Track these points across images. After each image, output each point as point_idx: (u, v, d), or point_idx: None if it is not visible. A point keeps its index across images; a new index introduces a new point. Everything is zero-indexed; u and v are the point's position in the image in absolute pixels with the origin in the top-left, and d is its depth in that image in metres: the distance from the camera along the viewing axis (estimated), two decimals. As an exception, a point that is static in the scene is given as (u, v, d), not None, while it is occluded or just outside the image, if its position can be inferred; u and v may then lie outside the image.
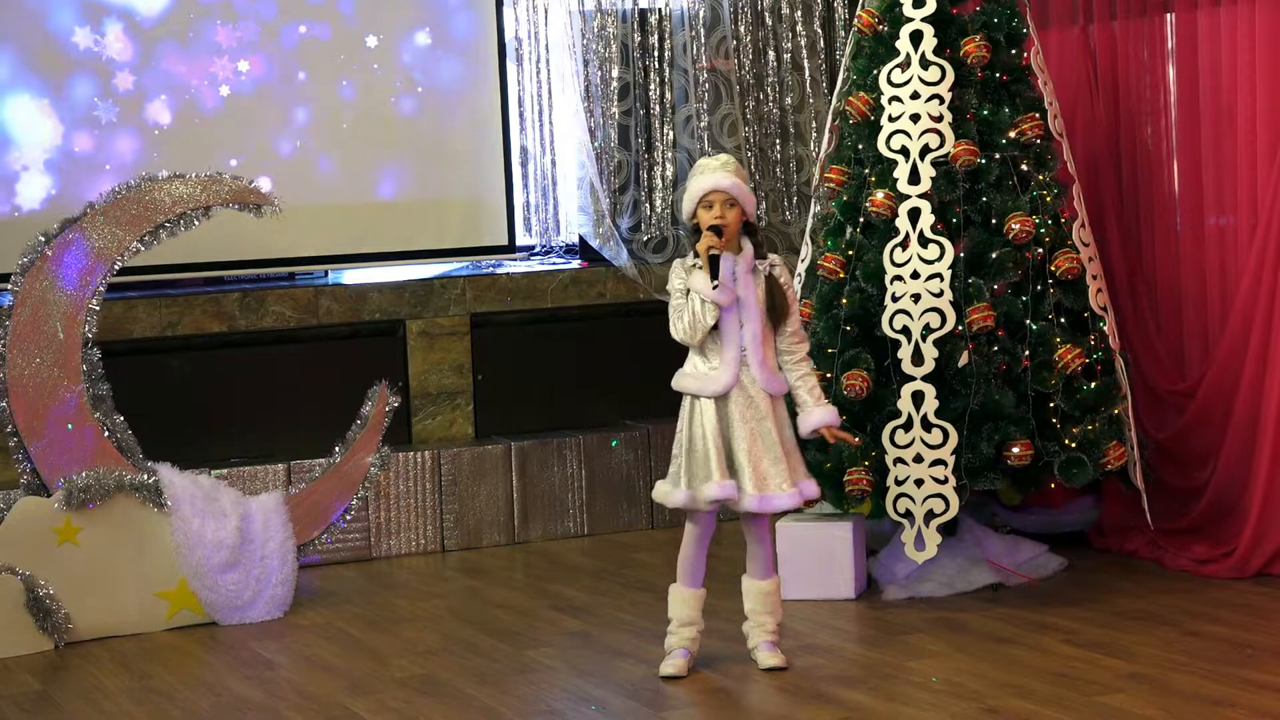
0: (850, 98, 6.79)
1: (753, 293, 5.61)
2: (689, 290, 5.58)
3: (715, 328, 5.60)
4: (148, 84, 7.79)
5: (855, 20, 6.88)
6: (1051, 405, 6.53)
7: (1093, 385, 6.59)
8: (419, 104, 8.20)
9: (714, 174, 5.62)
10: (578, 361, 8.37)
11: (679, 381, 5.69)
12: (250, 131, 7.94)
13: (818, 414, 5.71)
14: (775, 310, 5.64)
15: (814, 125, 8.67)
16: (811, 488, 5.69)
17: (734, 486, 5.55)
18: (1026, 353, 6.52)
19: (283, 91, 7.99)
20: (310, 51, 8.03)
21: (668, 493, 5.67)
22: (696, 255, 5.60)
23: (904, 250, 6.51)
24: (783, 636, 5.83)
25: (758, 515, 5.66)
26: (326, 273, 8.19)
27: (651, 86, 8.53)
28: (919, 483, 6.39)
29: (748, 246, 5.65)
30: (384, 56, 8.14)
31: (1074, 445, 6.49)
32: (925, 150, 6.55)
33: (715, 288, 5.52)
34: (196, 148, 7.79)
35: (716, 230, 5.56)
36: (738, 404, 5.60)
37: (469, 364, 8.19)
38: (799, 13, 8.69)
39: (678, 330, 5.62)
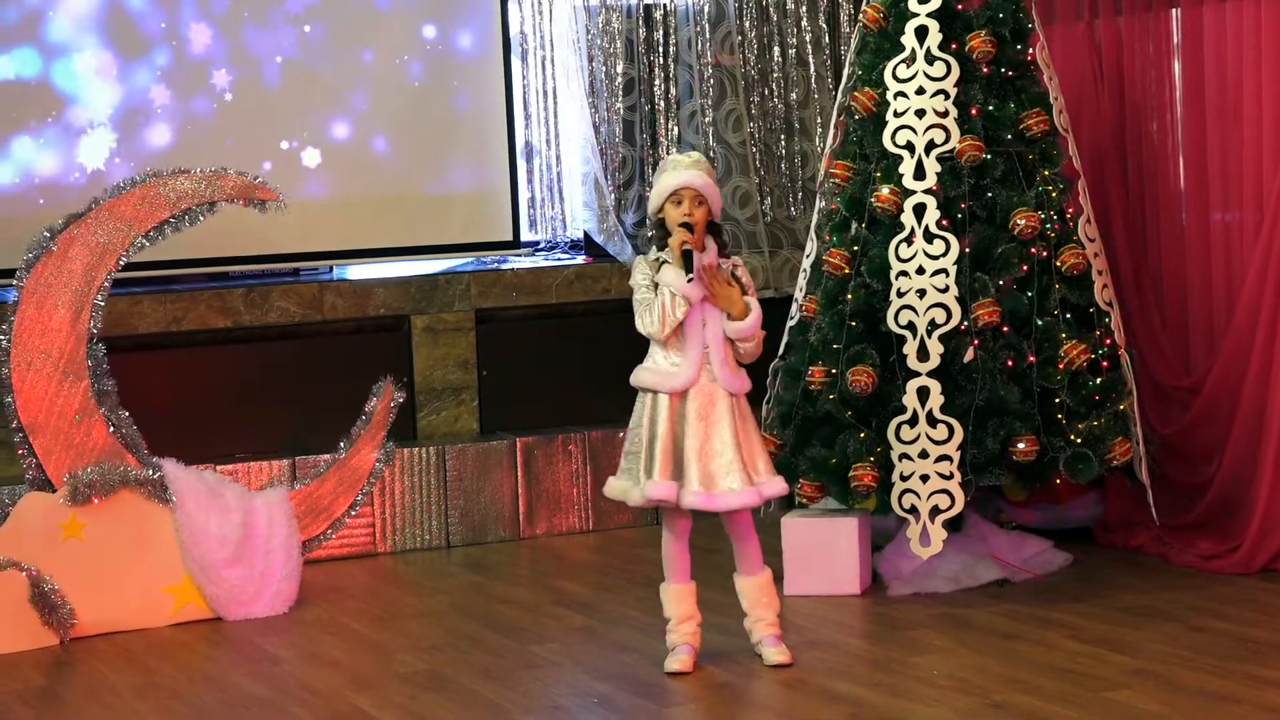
0: (855, 93, 6.78)
1: None
2: (655, 285, 5.60)
3: (678, 325, 5.60)
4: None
5: (860, 15, 6.88)
6: (1057, 401, 6.53)
7: (1098, 381, 6.58)
8: (423, 99, 8.19)
9: (685, 171, 5.64)
10: (582, 357, 8.36)
11: (637, 377, 5.69)
12: (256, 127, 7.95)
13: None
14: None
15: (819, 120, 8.66)
16: (772, 488, 5.65)
17: (674, 487, 5.55)
18: (1032, 348, 6.52)
19: (283, 88, 8.00)
20: (304, 50, 8.03)
21: (626, 490, 5.67)
22: (659, 251, 5.63)
23: (909, 246, 6.51)
24: (787, 631, 5.82)
25: (736, 512, 5.65)
26: (331, 268, 8.19)
27: (656, 82, 8.53)
28: (924, 478, 6.39)
29: (712, 246, 5.66)
30: (388, 52, 8.14)
31: (1079, 441, 6.49)
32: (930, 146, 6.55)
33: (690, 281, 5.53)
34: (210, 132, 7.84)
35: (687, 227, 5.59)
36: (696, 402, 5.60)
37: (474, 359, 8.19)
38: (804, 8, 8.68)
39: (645, 324, 5.63)
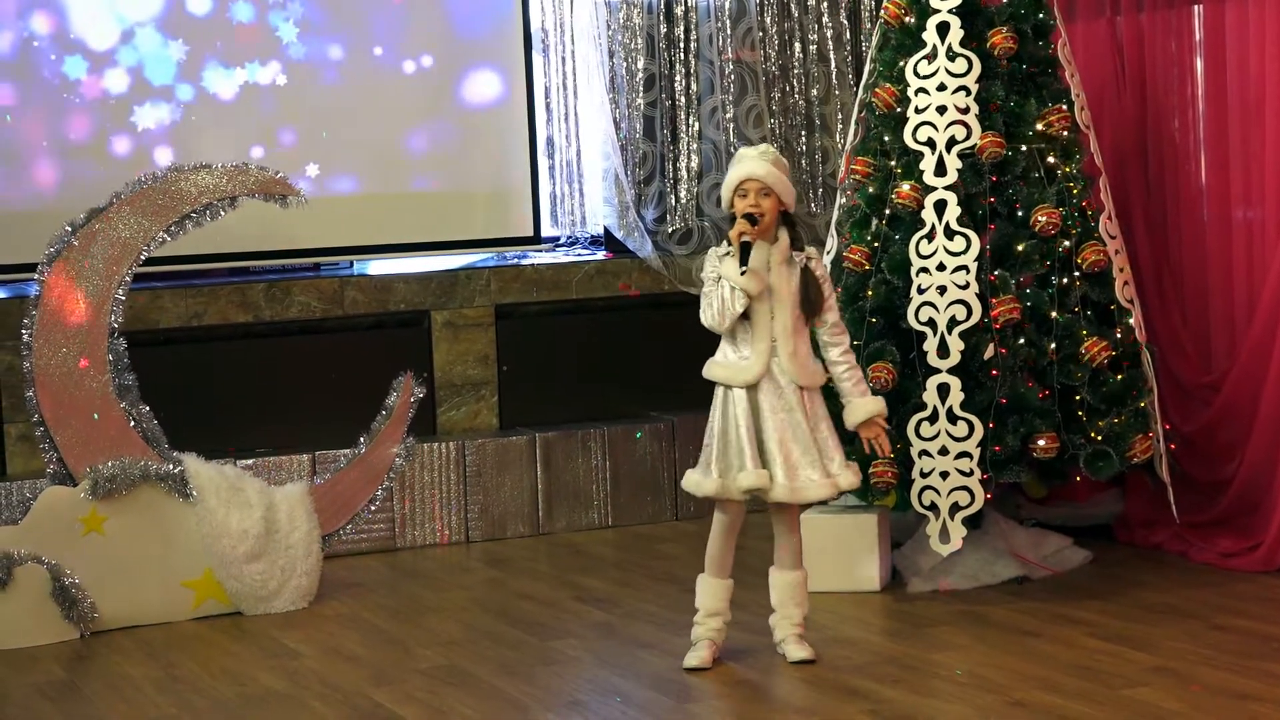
0: (876, 89, 6.78)
1: (786, 284, 5.61)
2: (720, 277, 5.59)
3: (746, 317, 5.60)
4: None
5: (882, 11, 6.87)
6: (1077, 398, 6.52)
7: (1119, 378, 6.57)
8: (444, 95, 8.20)
9: (750, 163, 5.63)
10: (602, 353, 8.37)
11: (709, 370, 5.70)
12: (265, 123, 7.97)
13: (860, 405, 5.72)
14: (809, 303, 5.64)
15: (840, 117, 8.65)
16: (846, 479, 5.67)
17: (768, 476, 5.56)
18: (1052, 345, 6.51)
19: (299, 83, 8.01)
20: (329, 41, 8.04)
21: (699, 482, 5.66)
22: (730, 243, 5.61)
23: (930, 242, 6.50)
24: (808, 629, 5.82)
25: (788, 506, 5.66)
26: (352, 263, 8.20)
27: (677, 78, 8.53)
28: (944, 475, 6.38)
29: (784, 237, 5.65)
30: (410, 46, 8.14)
31: (1100, 438, 6.48)
32: (951, 142, 6.54)
33: (744, 274, 5.52)
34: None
35: (750, 218, 5.56)
36: (767, 395, 5.60)
37: (494, 355, 8.20)
38: (825, 4, 8.67)
39: (706, 317, 5.63)
